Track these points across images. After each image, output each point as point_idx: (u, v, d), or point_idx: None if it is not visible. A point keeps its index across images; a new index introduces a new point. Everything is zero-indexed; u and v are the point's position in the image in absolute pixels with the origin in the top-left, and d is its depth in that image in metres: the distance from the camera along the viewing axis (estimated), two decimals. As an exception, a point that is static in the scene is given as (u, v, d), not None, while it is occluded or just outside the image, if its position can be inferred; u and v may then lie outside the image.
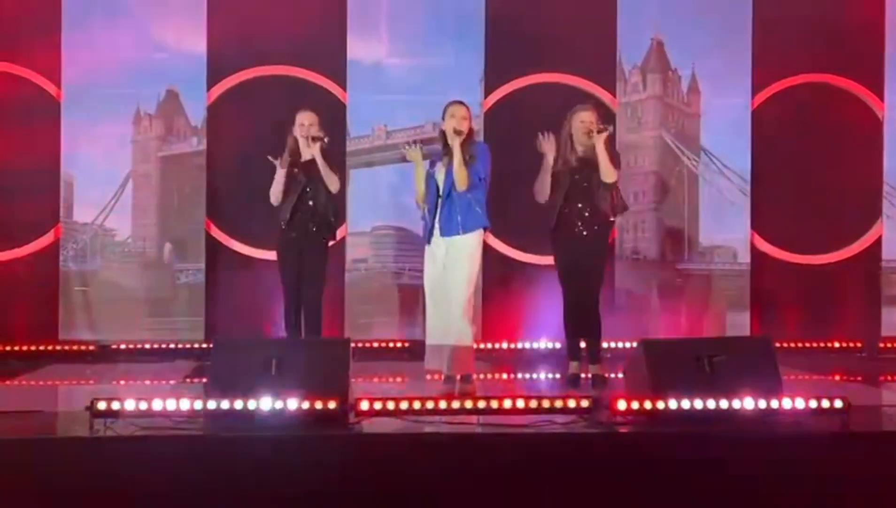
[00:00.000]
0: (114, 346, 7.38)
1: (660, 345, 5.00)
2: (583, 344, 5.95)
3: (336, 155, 6.49)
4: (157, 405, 4.28)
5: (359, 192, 7.58)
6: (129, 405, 4.25)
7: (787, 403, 4.43)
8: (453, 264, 5.48)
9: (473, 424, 4.44)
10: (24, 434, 4.27)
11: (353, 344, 4.76)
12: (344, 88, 7.63)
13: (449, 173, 5.51)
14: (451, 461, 4.14)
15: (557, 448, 4.23)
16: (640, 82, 7.84)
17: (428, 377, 5.75)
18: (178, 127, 7.65)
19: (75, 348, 7.34)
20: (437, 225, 5.55)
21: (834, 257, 7.94)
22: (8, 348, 7.23)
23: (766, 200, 7.80)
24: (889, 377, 6.57)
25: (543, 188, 5.83)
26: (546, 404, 4.43)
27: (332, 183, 6.01)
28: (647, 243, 7.82)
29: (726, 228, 7.88)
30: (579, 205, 5.82)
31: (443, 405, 4.44)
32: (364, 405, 4.38)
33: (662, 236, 7.81)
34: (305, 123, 6.05)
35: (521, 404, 4.43)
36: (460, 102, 5.60)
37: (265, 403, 4.27)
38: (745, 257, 7.84)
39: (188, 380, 6.32)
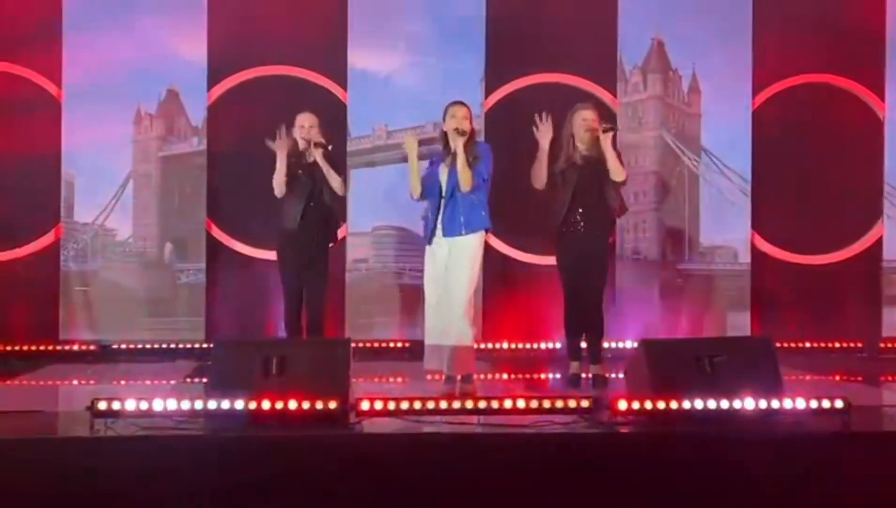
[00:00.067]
0: (114, 346, 7.38)
1: (660, 345, 5.00)
2: (583, 344, 5.95)
3: (337, 155, 6.48)
4: (158, 405, 4.29)
5: (359, 192, 7.56)
6: (130, 405, 4.26)
7: (787, 403, 4.44)
8: (455, 264, 5.47)
9: (474, 424, 4.43)
10: (24, 434, 4.27)
11: (353, 344, 4.76)
12: (344, 88, 7.62)
13: (452, 174, 5.50)
14: (451, 461, 4.14)
15: (558, 448, 4.23)
16: (640, 82, 7.84)
17: (428, 377, 5.74)
18: (178, 127, 7.66)
19: (76, 348, 7.34)
20: (439, 225, 5.54)
21: (834, 257, 7.93)
22: (8, 348, 7.23)
23: (766, 200, 7.80)
24: (890, 378, 6.56)
25: (540, 175, 5.79)
26: (547, 404, 4.44)
27: (337, 186, 6.01)
28: (647, 243, 7.81)
29: (727, 228, 7.87)
30: (586, 203, 5.81)
31: (443, 405, 4.45)
32: (364, 405, 4.39)
33: (663, 236, 7.80)
34: (305, 124, 6.03)
35: (521, 404, 4.43)
36: (461, 103, 5.59)
37: (265, 403, 4.27)
38: (745, 258, 7.83)
39: (188, 380, 6.32)
